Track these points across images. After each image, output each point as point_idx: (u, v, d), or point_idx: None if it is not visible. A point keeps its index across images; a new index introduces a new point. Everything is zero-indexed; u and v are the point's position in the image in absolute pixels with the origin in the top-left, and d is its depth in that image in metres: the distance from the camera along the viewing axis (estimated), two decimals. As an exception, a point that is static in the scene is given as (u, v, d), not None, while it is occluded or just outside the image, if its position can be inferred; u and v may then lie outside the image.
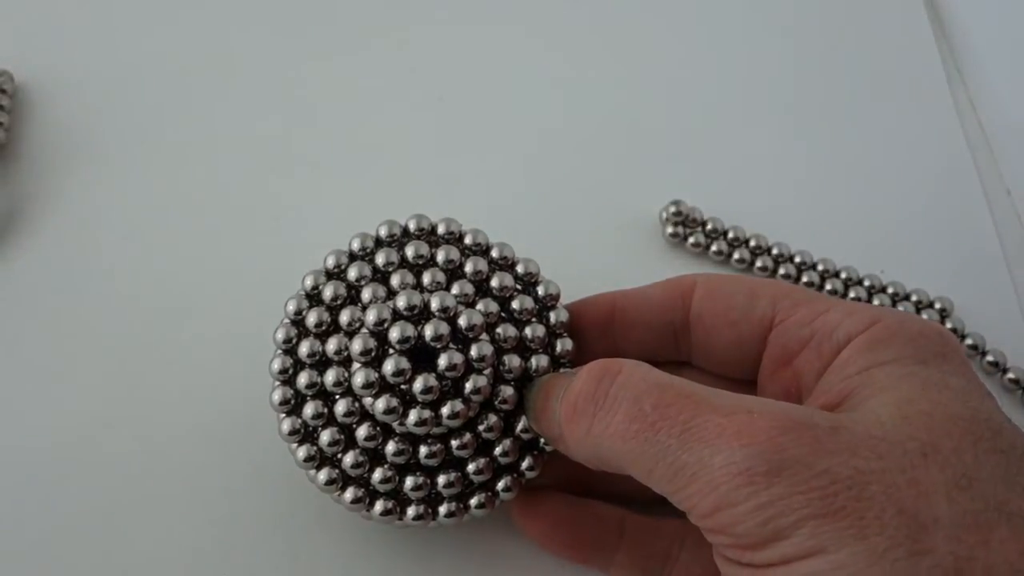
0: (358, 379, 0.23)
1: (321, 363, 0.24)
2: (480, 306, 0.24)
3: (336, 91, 0.35)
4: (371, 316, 0.23)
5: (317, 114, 0.34)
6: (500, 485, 0.24)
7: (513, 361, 0.24)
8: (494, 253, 0.25)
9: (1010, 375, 0.30)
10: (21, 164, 0.32)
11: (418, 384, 0.22)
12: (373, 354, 0.23)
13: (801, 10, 0.39)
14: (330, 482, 0.24)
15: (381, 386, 0.23)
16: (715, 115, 0.36)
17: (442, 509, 0.24)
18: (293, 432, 0.24)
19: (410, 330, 0.23)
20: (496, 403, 0.24)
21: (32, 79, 0.34)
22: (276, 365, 0.24)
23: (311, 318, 0.24)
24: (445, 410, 0.23)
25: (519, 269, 0.25)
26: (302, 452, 0.24)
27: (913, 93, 0.37)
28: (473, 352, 0.23)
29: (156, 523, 0.26)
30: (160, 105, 0.34)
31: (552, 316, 0.25)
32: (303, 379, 0.24)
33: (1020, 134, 0.35)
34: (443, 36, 0.37)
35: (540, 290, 0.25)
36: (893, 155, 0.35)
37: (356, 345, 0.23)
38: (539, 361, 0.24)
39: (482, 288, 0.24)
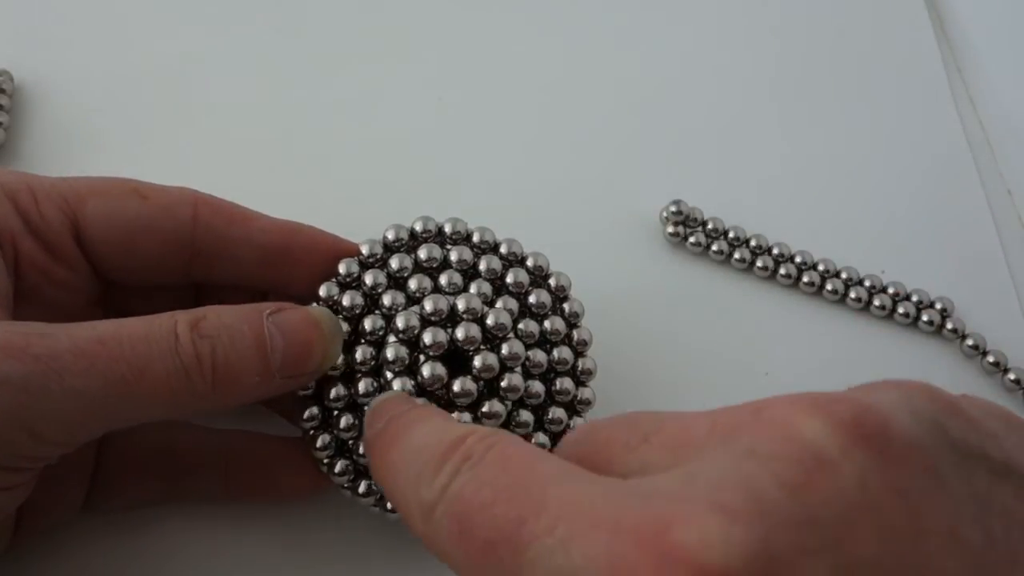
0: (395, 387, 0.23)
1: (347, 375, 0.24)
2: (500, 303, 0.24)
3: (335, 91, 0.35)
4: (400, 323, 0.23)
5: (316, 115, 0.34)
6: None
7: (538, 356, 0.24)
8: (503, 249, 0.25)
9: (1011, 375, 0.30)
10: (21, 164, 0.32)
11: (456, 387, 0.23)
12: (407, 362, 0.23)
13: (801, 9, 0.39)
14: (368, 494, 0.24)
15: (418, 393, 0.23)
16: (715, 115, 0.36)
17: None
18: (325, 447, 0.24)
19: (442, 335, 0.23)
20: (525, 398, 0.24)
21: (32, 79, 0.34)
22: None
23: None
24: (484, 410, 0.23)
25: (528, 263, 0.25)
26: (338, 466, 0.24)
27: (913, 92, 0.37)
28: (505, 351, 0.23)
29: (159, 521, 0.26)
30: (160, 105, 0.34)
31: (566, 307, 0.25)
32: (333, 392, 0.23)
33: (1021, 133, 0.35)
34: (442, 36, 0.37)
35: (551, 282, 0.25)
36: (893, 155, 0.35)
37: (389, 354, 0.23)
38: (561, 353, 0.24)
39: (496, 285, 0.24)
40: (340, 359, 0.23)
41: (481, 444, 0.17)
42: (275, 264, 0.24)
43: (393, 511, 0.24)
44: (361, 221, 0.25)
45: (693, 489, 0.13)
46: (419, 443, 0.18)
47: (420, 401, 0.22)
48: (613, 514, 0.14)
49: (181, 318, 0.21)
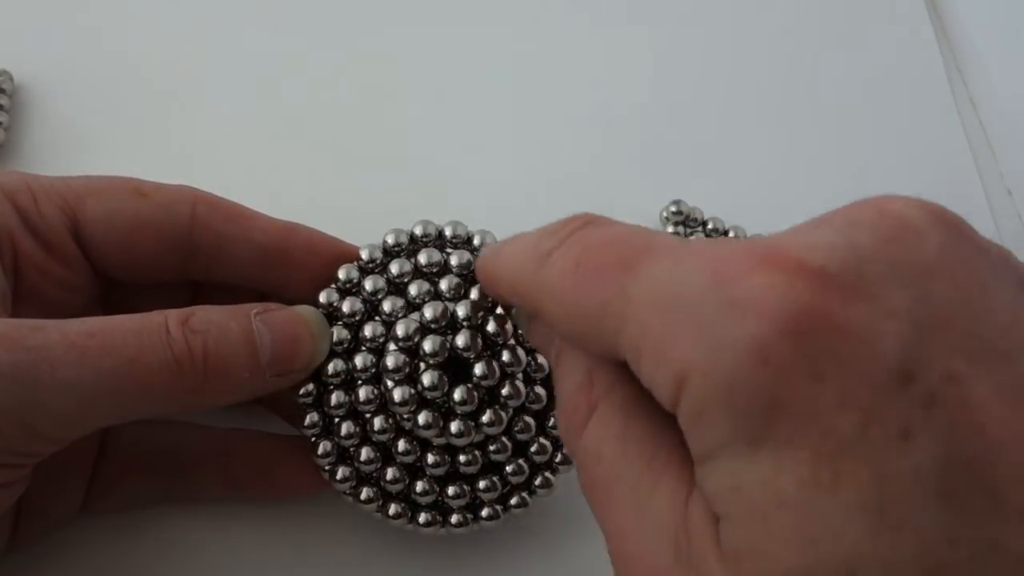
0: (396, 396, 0.23)
1: (348, 382, 0.24)
2: (500, 309, 0.24)
3: (335, 91, 0.35)
4: (400, 331, 0.23)
5: (315, 115, 0.34)
6: (538, 482, 0.24)
7: (540, 360, 0.24)
8: None
9: (1011, 375, 0.30)
10: (21, 164, 0.32)
11: (456, 395, 0.22)
12: (407, 370, 0.23)
13: (801, 10, 0.39)
14: (370, 500, 0.24)
15: (418, 401, 0.23)
16: (715, 114, 0.36)
17: (484, 512, 0.24)
18: (327, 454, 0.24)
19: (441, 343, 0.23)
20: (527, 404, 0.24)
21: (32, 79, 0.34)
22: (301, 388, 0.24)
23: (333, 336, 0.24)
24: (484, 418, 0.23)
25: None
26: (340, 473, 0.24)
27: (913, 93, 0.37)
28: (505, 357, 0.23)
29: (159, 521, 0.26)
30: (160, 105, 0.34)
31: None
32: (333, 399, 0.23)
33: (1021, 133, 0.35)
34: (442, 35, 0.37)
35: None
36: (894, 155, 0.35)
37: (389, 362, 0.23)
38: None
39: None
40: (341, 365, 0.23)
41: (603, 217, 0.18)
42: (273, 264, 0.24)
43: (395, 517, 0.24)
44: (361, 222, 0.25)
45: (801, 233, 0.15)
46: (537, 230, 0.19)
47: None
48: (724, 244, 0.15)
49: (171, 314, 0.21)
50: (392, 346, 0.23)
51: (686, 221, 0.32)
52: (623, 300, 0.16)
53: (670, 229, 0.32)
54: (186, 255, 0.24)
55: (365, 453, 0.23)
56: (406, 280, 0.24)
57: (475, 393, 0.23)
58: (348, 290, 0.24)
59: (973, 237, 0.15)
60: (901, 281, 0.14)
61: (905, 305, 0.14)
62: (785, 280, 0.14)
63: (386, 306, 0.24)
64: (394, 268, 0.24)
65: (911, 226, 0.15)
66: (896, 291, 0.14)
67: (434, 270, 0.24)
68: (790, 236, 0.15)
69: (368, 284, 0.24)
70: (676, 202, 0.32)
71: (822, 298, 0.14)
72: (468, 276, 0.24)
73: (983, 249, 0.15)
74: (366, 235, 0.25)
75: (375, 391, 0.23)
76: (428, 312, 0.23)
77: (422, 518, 0.24)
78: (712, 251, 0.15)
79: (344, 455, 0.24)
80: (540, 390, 0.24)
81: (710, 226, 0.32)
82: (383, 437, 0.23)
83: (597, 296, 0.16)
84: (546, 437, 0.24)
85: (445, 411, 0.23)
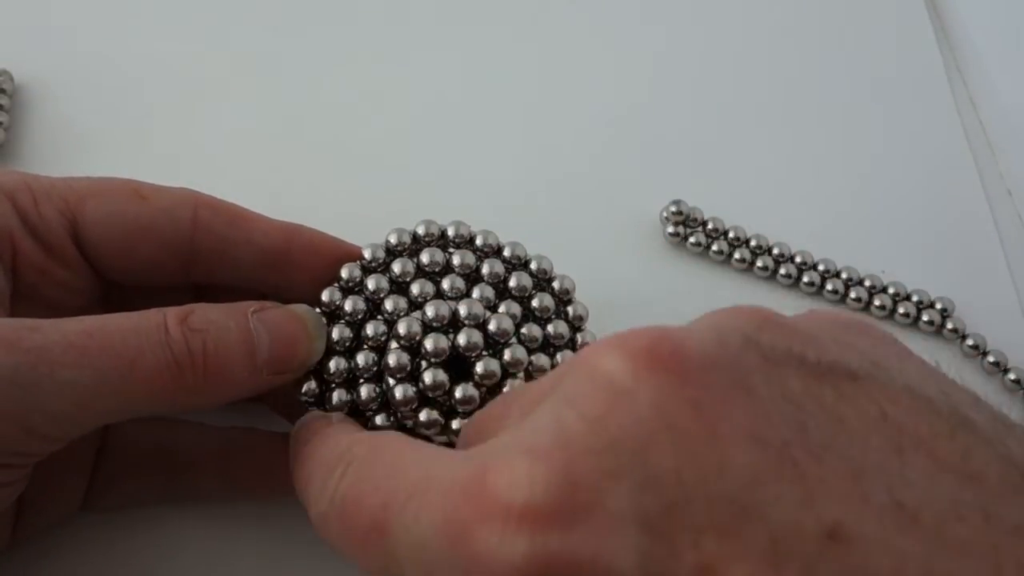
0: (397, 394, 0.23)
1: (349, 381, 0.24)
2: (503, 308, 0.24)
3: (336, 92, 0.35)
4: (402, 329, 0.23)
5: (317, 116, 0.34)
6: None
7: (541, 360, 0.24)
8: (506, 253, 0.25)
9: (1011, 375, 0.30)
10: (21, 164, 0.32)
11: (458, 394, 0.22)
12: (408, 368, 0.23)
13: (801, 10, 0.39)
14: None
15: (419, 399, 0.23)
16: (715, 114, 0.36)
17: None
18: None
19: (444, 341, 0.23)
20: None
21: (32, 79, 0.34)
22: (303, 387, 0.24)
23: (334, 334, 0.24)
24: None
25: (532, 267, 0.25)
26: None
27: (913, 93, 0.37)
28: (507, 357, 0.23)
29: (159, 521, 0.26)
30: (160, 105, 0.34)
31: (570, 310, 0.25)
32: (335, 398, 0.23)
33: (1021, 133, 0.35)
34: (442, 35, 0.37)
35: (555, 285, 0.25)
36: (894, 155, 0.35)
37: (391, 361, 0.23)
38: (564, 357, 0.24)
39: (499, 289, 0.24)
40: (343, 364, 0.23)
41: (360, 446, 0.18)
42: (275, 266, 0.24)
43: None
44: (363, 222, 0.25)
45: (514, 440, 0.14)
46: (319, 456, 0.19)
47: (336, 416, 0.23)
48: (449, 477, 0.15)
49: (169, 312, 0.21)
50: (394, 344, 0.23)
51: (686, 221, 0.32)
52: (395, 565, 0.15)
53: (670, 229, 0.32)
54: (187, 259, 0.24)
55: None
56: (408, 280, 0.24)
57: (477, 392, 0.23)
58: (350, 289, 0.24)
59: (690, 370, 0.14)
60: (618, 470, 0.13)
61: (628, 505, 0.12)
62: (500, 533, 0.13)
63: (388, 305, 0.24)
64: (396, 268, 0.24)
65: (619, 389, 0.14)
66: (615, 489, 0.13)
67: (436, 270, 0.24)
68: (502, 458, 0.14)
69: (370, 283, 0.24)
70: (676, 202, 0.32)
71: (540, 542, 0.13)
72: (470, 276, 0.24)
73: (706, 379, 0.14)
74: (367, 235, 0.25)
75: (376, 390, 0.23)
76: (430, 311, 0.23)
77: None
78: (444, 493, 0.14)
79: None
80: None
81: (710, 226, 0.32)
82: None
83: (374, 564, 0.16)
84: None
85: (447, 410, 0.23)
